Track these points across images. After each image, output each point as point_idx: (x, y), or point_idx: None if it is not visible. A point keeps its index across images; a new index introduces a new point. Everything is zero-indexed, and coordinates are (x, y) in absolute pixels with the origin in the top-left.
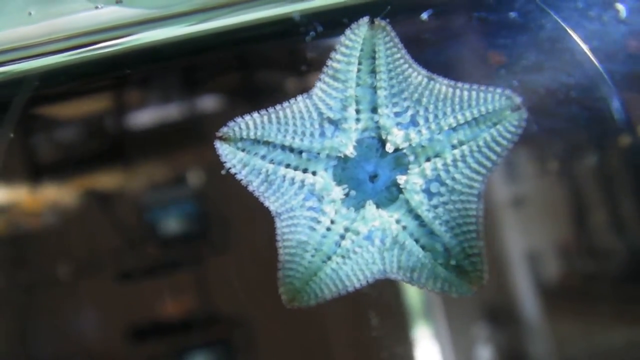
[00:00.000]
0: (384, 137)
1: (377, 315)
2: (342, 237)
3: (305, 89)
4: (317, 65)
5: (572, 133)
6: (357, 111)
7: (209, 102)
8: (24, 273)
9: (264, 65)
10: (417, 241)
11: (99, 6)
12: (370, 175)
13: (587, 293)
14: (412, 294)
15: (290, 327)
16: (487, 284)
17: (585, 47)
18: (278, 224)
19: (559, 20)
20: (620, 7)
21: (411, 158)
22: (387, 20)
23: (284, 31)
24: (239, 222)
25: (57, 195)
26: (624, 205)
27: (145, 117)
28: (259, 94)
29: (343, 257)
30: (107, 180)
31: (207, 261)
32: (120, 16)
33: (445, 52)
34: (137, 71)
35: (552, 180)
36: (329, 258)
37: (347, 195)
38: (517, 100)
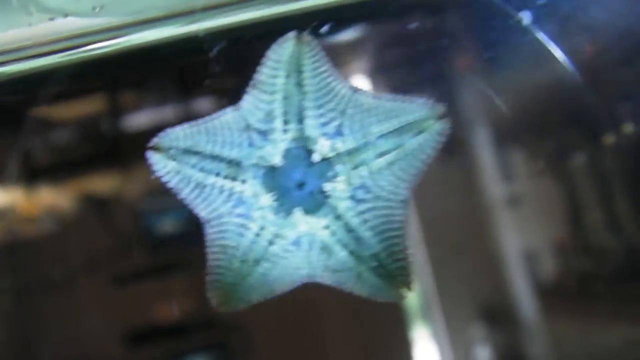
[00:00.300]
0: (310, 147)
1: (375, 316)
2: (271, 242)
3: None
4: None
5: (568, 132)
6: (285, 122)
7: (204, 105)
8: (20, 278)
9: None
10: (345, 246)
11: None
12: (297, 183)
13: (584, 292)
14: (410, 295)
15: (287, 330)
16: (485, 284)
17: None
18: (208, 230)
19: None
20: (523, 15)
21: (338, 166)
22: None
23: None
24: None
25: (53, 199)
26: (620, 203)
27: (141, 120)
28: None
29: (271, 262)
30: (103, 183)
31: (204, 265)
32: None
33: (418, 59)
34: (131, 73)
35: (548, 180)
36: (257, 263)
37: (275, 201)
38: (440, 109)
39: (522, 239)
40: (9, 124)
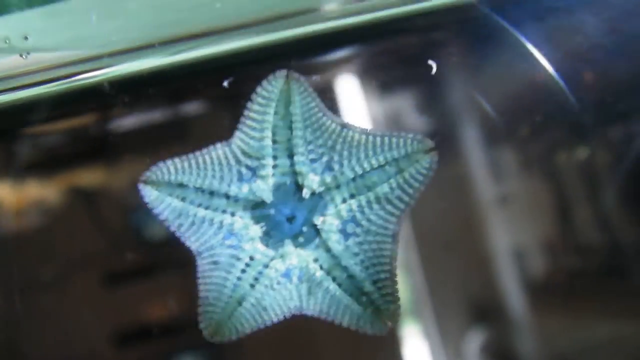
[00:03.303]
0: (300, 182)
1: None
2: (261, 273)
3: None
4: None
5: (556, 131)
6: (274, 157)
7: (193, 106)
8: (7, 275)
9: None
10: (333, 279)
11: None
12: (287, 217)
13: (572, 289)
14: (401, 293)
15: (277, 329)
16: (475, 282)
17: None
18: (199, 262)
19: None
20: (431, 64)
21: (327, 200)
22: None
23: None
24: None
25: (41, 195)
26: (607, 201)
27: (130, 118)
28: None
29: (262, 293)
30: (92, 181)
31: (194, 264)
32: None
33: (407, 61)
34: (118, 97)
35: (537, 178)
36: (248, 295)
37: (266, 234)
38: (429, 143)
39: (511, 237)
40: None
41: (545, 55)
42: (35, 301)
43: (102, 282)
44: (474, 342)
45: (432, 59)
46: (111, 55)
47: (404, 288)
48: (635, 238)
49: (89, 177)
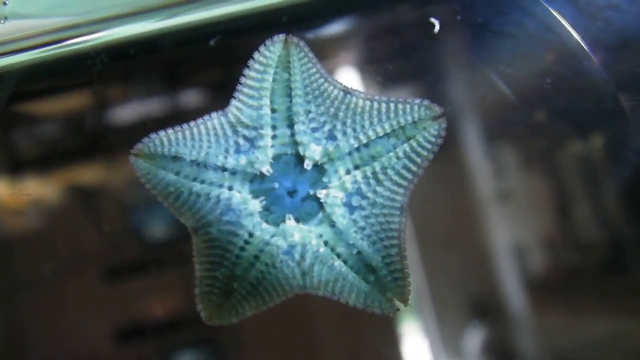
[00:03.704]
0: (301, 153)
1: (365, 311)
2: (261, 251)
3: None
4: None
5: (556, 127)
6: (273, 127)
7: (191, 96)
8: (7, 273)
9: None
10: (338, 256)
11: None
12: (288, 190)
13: (572, 285)
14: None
15: (278, 325)
16: (475, 279)
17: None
18: (194, 239)
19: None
20: (434, 21)
21: (331, 172)
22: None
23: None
24: None
25: (40, 193)
26: (607, 198)
27: (127, 112)
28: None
29: (262, 272)
30: (91, 178)
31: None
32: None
33: (423, 48)
34: (115, 66)
35: (537, 175)
36: (247, 273)
37: (265, 209)
38: (437, 109)
39: (511, 234)
40: None
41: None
42: (36, 298)
43: (102, 278)
44: (474, 339)
45: (434, 46)
46: (96, 22)
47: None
48: (635, 235)
49: (89, 174)
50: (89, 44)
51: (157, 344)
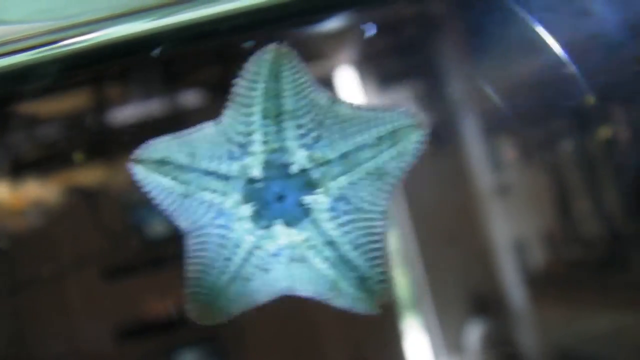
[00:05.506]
0: (289, 160)
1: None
2: (250, 254)
3: None
4: None
5: (556, 121)
6: (264, 134)
7: (191, 96)
8: (8, 273)
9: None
10: (325, 259)
11: None
12: (277, 195)
13: (572, 280)
14: (400, 286)
15: (279, 323)
16: (475, 274)
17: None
18: (188, 241)
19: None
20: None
21: (317, 178)
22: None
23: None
24: None
25: (40, 193)
26: (607, 192)
27: (128, 113)
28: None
29: (251, 274)
30: (91, 177)
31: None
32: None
33: (421, 45)
34: (115, 65)
35: (537, 169)
36: (236, 275)
37: (255, 213)
38: (418, 118)
39: (511, 228)
40: None
41: (555, 39)
42: (37, 297)
43: (103, 277)
44: (474, 334)
45: (431, 43)
46: (87, 24)
47: (403, 280)
48: (636, 229)
49: (89, 174)
50: (89, 43)
51: (159, 342)
